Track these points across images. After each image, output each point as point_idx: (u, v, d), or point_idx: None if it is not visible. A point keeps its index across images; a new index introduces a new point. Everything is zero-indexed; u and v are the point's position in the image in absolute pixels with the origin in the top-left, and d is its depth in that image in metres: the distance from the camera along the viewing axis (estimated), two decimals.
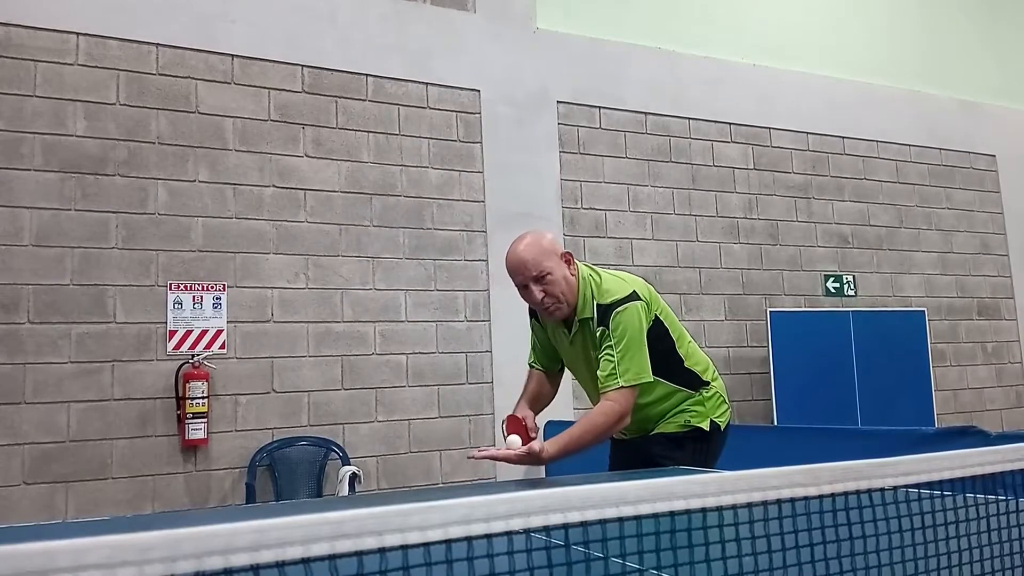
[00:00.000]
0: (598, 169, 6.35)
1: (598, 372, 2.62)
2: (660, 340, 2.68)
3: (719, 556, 0.95)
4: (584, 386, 2.94)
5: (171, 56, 5.08)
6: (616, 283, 2.69)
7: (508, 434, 2.78)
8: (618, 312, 2.59)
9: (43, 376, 4.57)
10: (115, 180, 4.86)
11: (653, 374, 2.63)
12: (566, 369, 3.03)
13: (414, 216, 5.63)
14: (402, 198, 5.61)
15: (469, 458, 2.60)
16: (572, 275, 2.68)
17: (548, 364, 2.97)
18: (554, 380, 3.00)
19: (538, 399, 2.94)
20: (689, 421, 2.74)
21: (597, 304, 2.64)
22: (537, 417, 2.85)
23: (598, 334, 2.62)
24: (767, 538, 0.97)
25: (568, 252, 2.72)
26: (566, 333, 2.78)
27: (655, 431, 2.76)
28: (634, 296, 2.63)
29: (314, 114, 5.42)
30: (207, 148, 5.11)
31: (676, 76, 6.75)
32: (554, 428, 3.14)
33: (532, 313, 2.94)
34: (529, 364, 3.02)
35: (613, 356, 2.56)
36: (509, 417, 2.81)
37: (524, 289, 2.67)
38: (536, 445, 2.53)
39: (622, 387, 2.55)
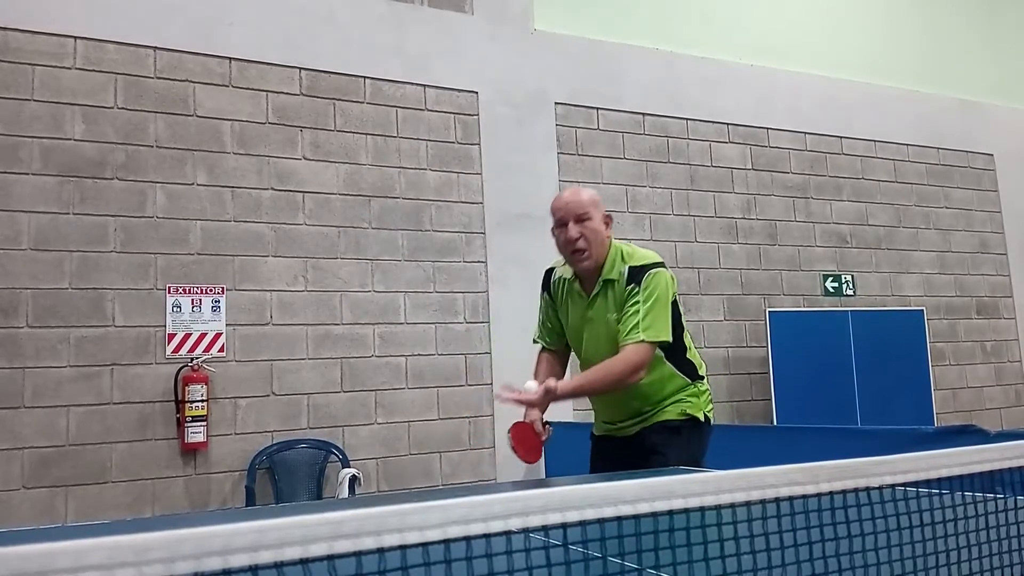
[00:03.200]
0: (596, 170, 6.35)
1: (619, 326, 2.68)
2: (675, 324, 2.75)
3: (718, 555, 0.95)
4: (588, 360, 2.89)
5: (169, 59, 5.08)
6: (648, 252, 2.82)
7: (513, 440, 2.80)
8: (651, 273, 2.70)
9: (42, 380, 4.57)
10: (113, 184, 4.86)
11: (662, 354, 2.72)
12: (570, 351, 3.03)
13: (413, 218, 5.63)
14: (401, 200, 5.61)
15: (496, 397, 2.66)
16: (607, 235, 2.79)
17: (554, 341, 3.01)
18: (562, 359, 3.03)
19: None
20: (686, 411, 2.81)
21: (629, 267, 2.73)
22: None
23: (627, 292, 2.69)
24: (766, 537, 0.97)
25: (609, 215, 2.84)
26: (583, 296, 2.82)
27: (654, 421, 2.79)
28: (664, 265, 2.78)
29: (312, 116, 5.42)
30: (205, 151, 5.11)
31: (674, 77, 6.75)
32: (553, 428, 3.13)
33: (545, 286, 3.00)
34: (535, 341, 3.06)
35: (639, 311, 2.64)
36: (514, 425, 2.81)
37: (562, 228, 2.75)
38: (552, 383, 2.60)
39: (643, 341, 2.62)
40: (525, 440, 2.84)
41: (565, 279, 2.90)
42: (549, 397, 2.59)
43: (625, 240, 3.00)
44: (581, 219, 2.72)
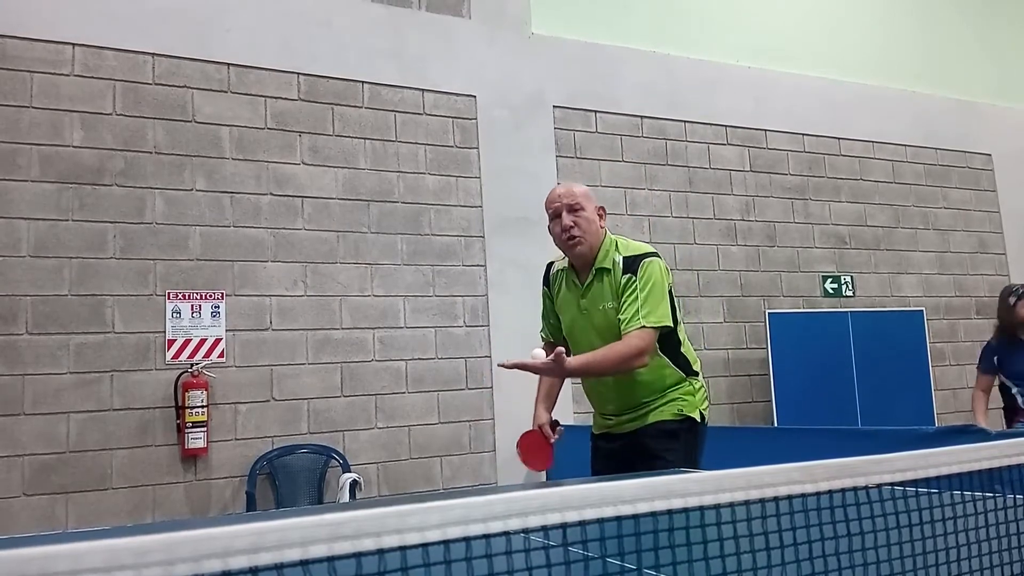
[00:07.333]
0: (595, 173, 6.35)
1: (620, 316, 2.73)
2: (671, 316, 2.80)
3: (717, 554, 0.95)
4: (580, 352, 2.92)
5: (167, 65, 5.09)
6: (641, 244, 2.91)
7: (522, 452, 2.86)
8: (646, 263, 2.77)
9: (42, 387, 4.56)
10: (112, 190, 4.86)
11: (658, 347, 2.76)
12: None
13: (412, 222, 5.63)
14: (399, 204, 5.61)
15: (500, 365, 2.64)
16: (600, 226, 2.89)
17: (555, 336, 3.07)
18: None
19: (552, 386, 3.06)
20: (682, 410, 2.83)
21: (623, 256, 2.81)
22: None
23: (623, 282, 2.75)
24: (765, 536, 0.97)
25: (602, 207, 2.95)
26: (577, 286, 2.90)
27: (650, 421, 2.81)
28: (658, 255, 2.85)
29: (310, 121, 5.43)
30: (204, 157, 5.11)
31: (671, 79, 6.76)
32: (563, 427, 3.16)
33: (545, 280, 3.09)
34: (541, 336, 3.15)
35: (638, 299, 2.70)
36: (522, 437, 2.88)
37: (555, 218, 2.86)
38: (562, 351, 2.59)
39: (644, 327, 2.67)
40: (534, 449, 2.90)
41: (562, 270, 3.00)
42: (558, 364, 2.56)
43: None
44: (574, 209, 2.82)
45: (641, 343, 2.65)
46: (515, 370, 2.62)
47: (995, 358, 4.91)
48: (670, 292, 2.80)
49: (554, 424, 2.96)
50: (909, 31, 8.17)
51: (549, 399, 3.06)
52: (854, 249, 7.40)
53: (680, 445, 2.78)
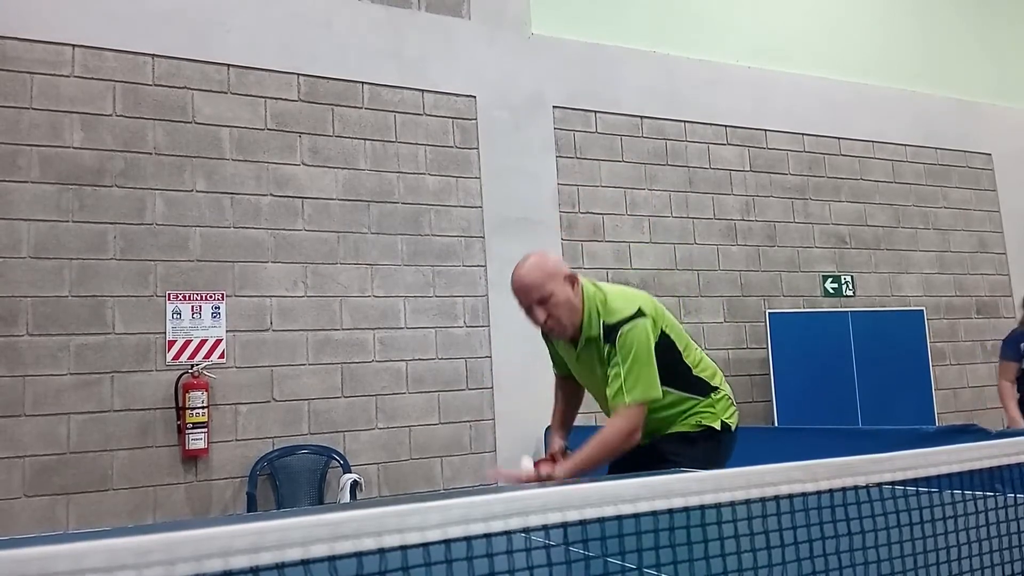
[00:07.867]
0: (595, 173, 6.36)
1: (607, 390, 2.65)
2: (667, 352, 2.72)
3: (718, 553, 0.95)
4: (597, 398, 2.97)
5: (167, 66, 5.09)
6: (621, 301, 2.71)
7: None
8: (624, 332, 2.61)
9: (42, 388, 4.56)
10: (112, 191, 4.86)
11: (664, 384, 2.67)
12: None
13: (412, 223, 5.63)
14: (399, 205, 5.62)
15: (489, 475, 2.69)
16: (576, 295, 2.70)
17: (565, 370, 3.06)
18: (578, 384, 3.08)
19: (566, 415, 3.06)
20: (701, 422, 2.80)
21: (603, 323, 2.66)
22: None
23: (606, 351, 2.65)
24: (766, 535, 0.97)
25: (572, 273, 2.74)
26: (573, 349, 2.83)
27: (668, 431, 2.80)
28: (639, 313, 2.66)
29: (310, 122, 5.43)
30: (204, 158, 5.11)
31: (671, 79, 6.76)
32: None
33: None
34: (554, 372, 3.13)
35: (620, 374, 2.60)
36: (538, 463, 2.84)
37: (528, 311, 2.73)
38: (546, 470, 2.61)
39: (630, 404, 2.59)
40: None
41: None
42: (550, 476, 2.60)
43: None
44: (543, 301, 2.66)
45: (627, 424, 2.59)
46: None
47: (1021, 345, 4.94)
48: (664, 335, 2.70)
49: (565, 451, 2.91)
50: (909, 31, 8.17)
51: (564, 428, 3.03)
52: (854, 249, 7.40)
53: (697, 451, 2.72)
